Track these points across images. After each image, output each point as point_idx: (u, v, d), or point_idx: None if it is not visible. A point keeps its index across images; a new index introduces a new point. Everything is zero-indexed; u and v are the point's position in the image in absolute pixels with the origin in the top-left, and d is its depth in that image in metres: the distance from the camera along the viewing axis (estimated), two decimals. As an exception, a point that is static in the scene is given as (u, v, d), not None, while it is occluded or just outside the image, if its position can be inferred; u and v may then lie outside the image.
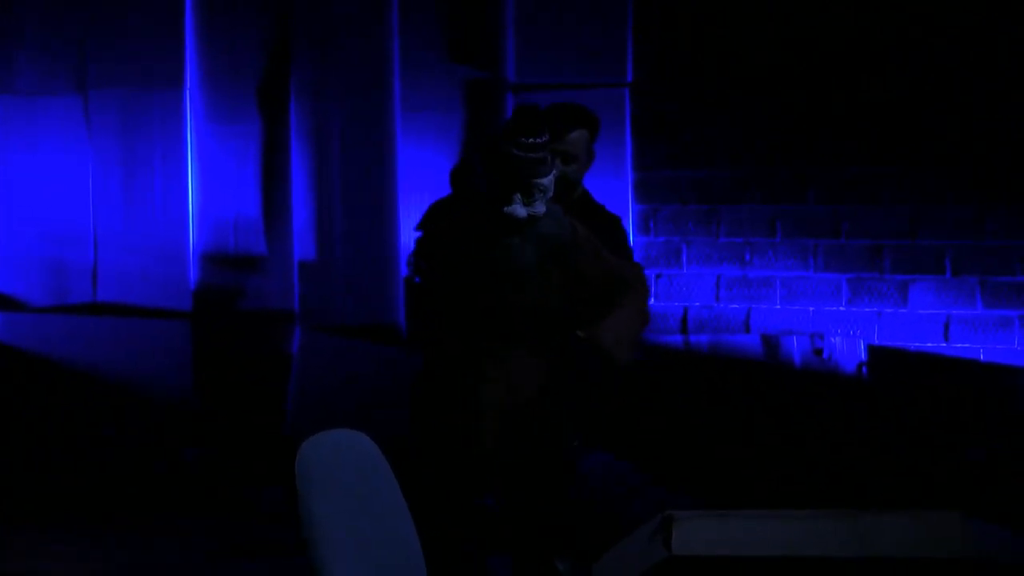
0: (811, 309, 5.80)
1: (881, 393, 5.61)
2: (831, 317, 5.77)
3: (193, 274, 6.13)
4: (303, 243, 6.04)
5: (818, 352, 5.68)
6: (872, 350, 5.68)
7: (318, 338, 6.00)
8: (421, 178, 6.00)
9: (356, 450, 2.95)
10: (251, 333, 6.09)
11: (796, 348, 5.67)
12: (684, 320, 5.96)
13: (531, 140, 3.32)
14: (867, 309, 5.74)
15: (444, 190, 6.02)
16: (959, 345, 5.65)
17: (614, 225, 4.14)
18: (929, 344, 5.67)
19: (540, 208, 3.37)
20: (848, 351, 5.68)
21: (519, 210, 3.35)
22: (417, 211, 6.03)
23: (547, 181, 3.35)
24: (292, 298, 6.06)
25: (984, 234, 5.64)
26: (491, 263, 3.41)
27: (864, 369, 5.66)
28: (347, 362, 5.96)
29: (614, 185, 5.81)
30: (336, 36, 5.98)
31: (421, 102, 5.97)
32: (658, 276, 5.98)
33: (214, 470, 5.99)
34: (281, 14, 6.03)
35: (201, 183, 6.14)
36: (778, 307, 5.82)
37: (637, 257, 4.84)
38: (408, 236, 6.02)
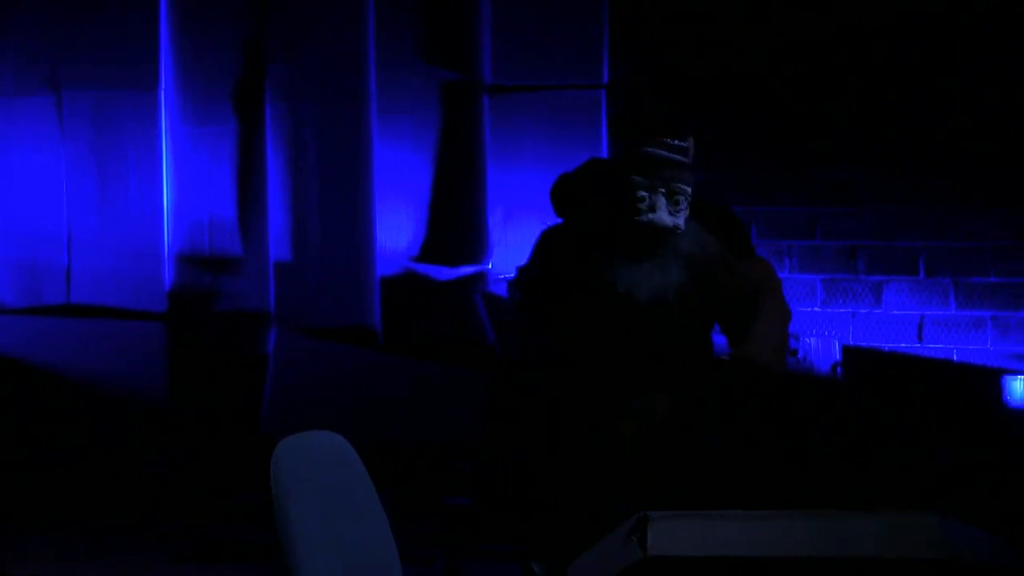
0: (786, 309, 5.83)
1: (856, 393, 5.64)
2: (806, 318, 5.80)
3: (168, 275, 6.11)
4: (279, 244, 6.02)
5: (793, 353, 5.70)
6: (847, 350, 5.71)
7: (294, 339, 5.98)
8: (397, 180, 6.00)
9: (332, 451, 2.94)
10: (226, 334, 6.08)
11: (771, 349, 5.69)
12: (660, 321, 5.97)
13: (677, 141, 2.98)
14: (842, 310, 5.77)
15: (419, 189, 6.03)
16: (932, 345, 5.68)
17: (726, 218, 3.77)
18: (903, 344, 5.70)
19: (683, 221, 3.00)
20: (823, 351, 5.70)
21: (665, 217, 2.98)
22: (393, 212, 6.03)
23: (690, 190, 2.99)
24: (268, 299, 6.04)
25: (957, 236, 5.68)
26: (632, 290, 3.01)
27: (839, 369, 5.69)
28: (323, 363, 5.94)
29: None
30: (311, 37, 5.97)
31: (397, 104, 5.97)
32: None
33: (189, 472, 5.97)
34: (256, 16, 6.02)
35: (176, 184, 6.12)
36: (753, 308, 5.85)
37: None
38: (385, 236, 6.01)
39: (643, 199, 2.97)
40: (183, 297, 6.10)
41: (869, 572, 2.38)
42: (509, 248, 5.97)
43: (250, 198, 6.08)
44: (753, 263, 3.36)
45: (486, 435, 5.76)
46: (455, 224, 5.99)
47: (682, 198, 2.98)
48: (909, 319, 5.72)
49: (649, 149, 2.96)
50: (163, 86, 6.07)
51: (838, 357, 5.70)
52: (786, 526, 2.45)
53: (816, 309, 5.78)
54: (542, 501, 3.11)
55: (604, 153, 5.88)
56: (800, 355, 5.70)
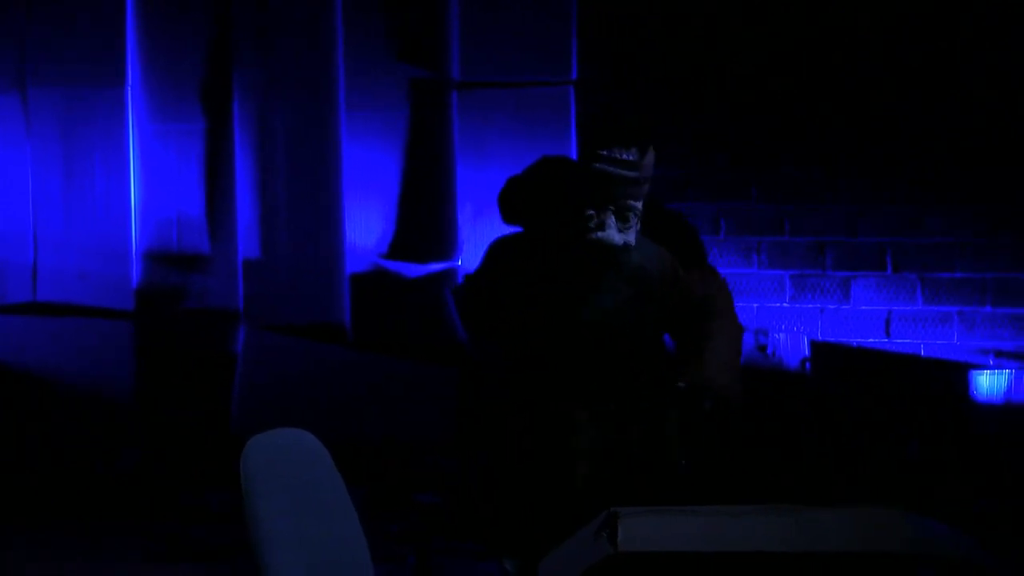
0: (755, 306, 5.85)
1: (824, 388, 5.67)
2: (775, 313, 5.82)
3: (136, 273, 6.07)
4: (247, 242, 6.00)
5: (762, 348, 5.72)
6: (815, 346, 5.74)
7: (263, 337, 5.96)
8: (366, 177, 5.99)
9: (302, 449, 2.94)
10: (195, 332, 6.05)
11: (740, 345, 5.71)
12: (629, 317, 5.98)
13: (626, 156, 2.88)
14: (810, 305, 5.80)
15: (388, 186, 6.02)
16: (900, 340, 5.72)
17: (679, 225, 3.70)
18: (871, 340, 5.74)
19: (633, 237, 2.92)
20: (792, 347, 5.73)
21: (614, 235, 2.90)
22: (362, 209, 6.02)
23: (641, 205, 2.91)
24: (236, 297, 6.02)
25: (924, 231, 5.72)
26: (580, 306, 2.93)
27: (807, 365, 5.72)
28: (293, 361, 5.93)
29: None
30: (280, 34, 5.95)
31: (366, 101, 5.95)
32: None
33: (157, 472, 5.94)
34: (224, 13, 5.99)
35: (144, 182, 6.09)
36: (722, 304, 5.87)
37: None
38: (354, 233, 6.00)
39: (591, 217, 2.91)
40: (151, 295, 6.07)
41: (837, 567, 2.39)
42: (478, 244, 5.96)
43: (218, 196, 6.05)
44: (704, 274, 3.29)
45: (456, 432, 5.75)
46: (424, 221, 5.98)
47: (632, 215, 2.92)
48: (877, 314, 5.75)
49: (598, 166, 2.89)
50: (130, 83, 6.04)
51: (807, 353, 5.73)
52: (755, 522, 2.46)
53: (785, 305, 5.81)
54: (508, 500, 3.10)
55: (572, 151, 5.88)
56: (769, 351, 5.73)
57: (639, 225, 2.94)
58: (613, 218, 2.89)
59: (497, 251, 3.37)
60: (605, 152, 2.87)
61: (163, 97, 6.03)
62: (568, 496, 3.04)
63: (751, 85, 5.77)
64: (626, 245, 2.92)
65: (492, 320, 3.14)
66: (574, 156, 5.87)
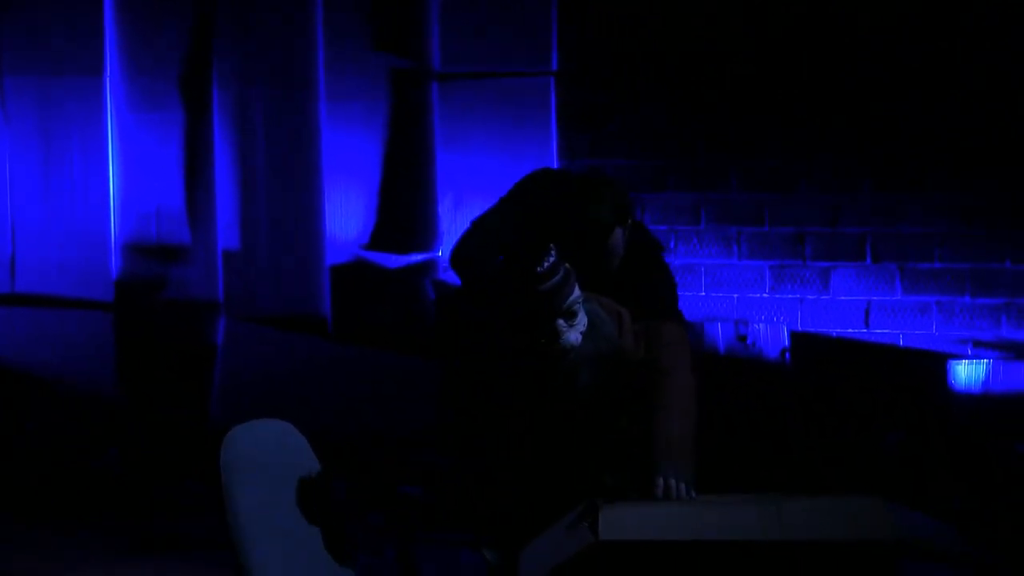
0: (735, 296, 5.87)
1: (803, 378, 5.69)
2: (755, 304, 5.84)
3: (115, 264, 6.05)
4: (227, 232, 5.98)
5: (742, 339, 5.74)
6: (795, 336, 5.76)
7: (243, 328, 5.95)
8: (347, 167, 5.98)
9: (281, 440, 2.94)
10: (175, 323, 6.03)
11: (720, 335, 5.73)
12: (610, 308, 5.99)
13: (545, 266, 2.88)
14: (790, 296, 5.82)
15: (369, 176, 6.00)
16: (879, 331, 5.74)
17: (653, 264, 3.74)
18: (850, 330, 5.76)
19: (584, 323, 2.96)
20: (771, 337, 5.75)
21: (572, 337, 2.93)
22: (343, 200, 6.01)
23: (577, 292, 2.93)
24: (216, 288, 6.00)
25: (903, 221, 5.74)
26: (546, 405, 2.95)
27: (787, 355, 5.73)
28: (273, 352, 5.92)
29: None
30: (259, 24, 5.93)
31: (346, 90, 5.94)
32: (584, 264, 6.00)
33: (137, 463, 5.92)
34: (203, 2, 5.97)
35: (123, 171, 6.06)
36: (703, 294, 5.88)
37: None
38: (334, 224, 5.99)
39: (542, 332, 2.91)
40: (131, 286, 6.04)
41: (816, 554, 2.40)
42: (459, 235, 5.96)
43: (198, 186, 6.03)
44: (658, 330, 3.20)
45: (437, 423, 5.75)
46: (405, 211, 5.97)
47: (577, 307, 2.93)
48: (856, 305, 5.77)
49: (530, 290, 2.87)
50: (108, 72, 6.01)
51: (786, 343, 5.75)
52: (735, 510, 2.47)
53: (764, 295, 5.82)
54: (490, 491, 3.10)
55: (553, 141, 5.88)
56: (749, 341, 5.75)
57: (584, 307, 2.95)
58: (563, 321, 2.91)
59: (449, 320, 3.29)
60: (527, 273, 2.87)
61: (142, 86, 6.00)
62: (551, 486, 3.03)
63: (731, 75, 5.78)
64: (578, 339, 2.95)
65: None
66: (554, 148, 5.88)
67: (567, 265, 2.95)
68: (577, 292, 2.94)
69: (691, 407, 3.02)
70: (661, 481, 2.86)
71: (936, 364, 5.59)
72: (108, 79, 6.01)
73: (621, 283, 3.31)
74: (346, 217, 5.98)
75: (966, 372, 5.57)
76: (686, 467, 2.91)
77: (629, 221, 3.80)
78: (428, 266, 5.97)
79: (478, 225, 3.77)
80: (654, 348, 3.09)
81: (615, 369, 3.00)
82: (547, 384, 2.98)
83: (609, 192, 3.74)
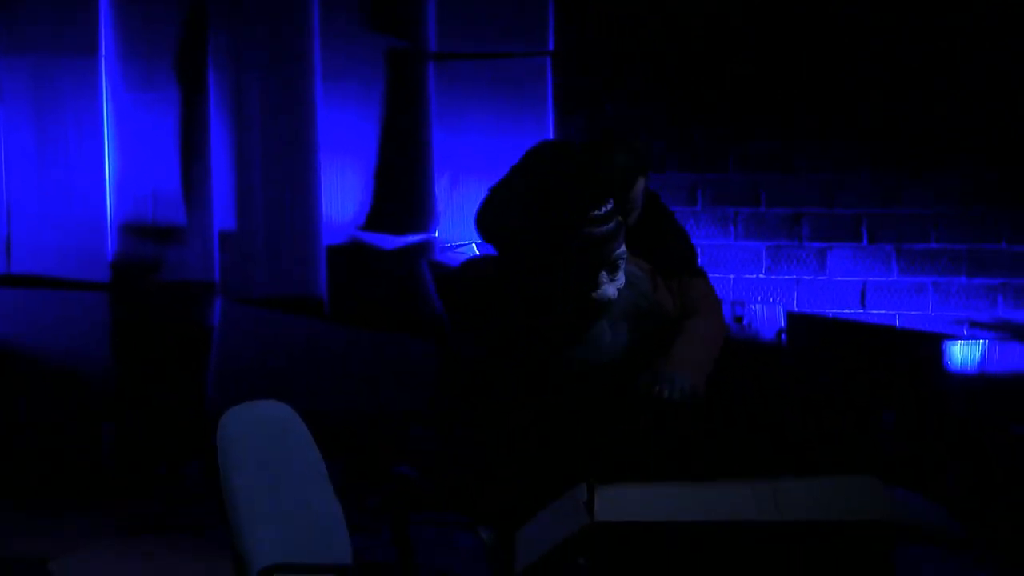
0: (731, 277, 5.87)
1: (799, 359, 5.70)
2: (751, 285, 5.84)
3: (111, 245, 6.04)
4: (223, 213, 5.97)
5: (738, 319, 5.74)
6: (791, 317, 5.76)
7: (239, 310, 5.95)
8: (343, 147, 5.96)
9: (278, 421, 2.94)
10: (171, 305, 6.03)
11: (717, 316, 5.72)
12: (606, 289, 5.99)
13: (603, 211, 2.81)
14: (786, 276, 5.82)
15: (365, 157, 5.99)
16: (875, 311, 5.74)
17: (667, 224, 3.65)
18: (846, 310, 5.76)
19: (623, 279, 2.89)
20: (768, 318, 5.75)
21: (610, 290, 2.86)
22: (339, 181, 6.00)
23: (624, 248, 2.86)
24: (212, 269, 6.00)
25: (900, 202, 5.74)
26: (578, 362, 2.89)
27: (783, 336, 5.74)
28: (269, 333, 5.92)
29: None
30: (255, 3, 5.90)
31: (342, 71, 5.92)
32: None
33: (133, 444, 5.93)
34: (198, -19, 5.94)
35: (118, 152, 6.05)
36: (699, 275, 5.88)
37: None
38: (330, 205, 5.98)
39: (583, 280, 2.85)
40: (126, 267, 6.04)
41: (812, 535, 2.41)
42: (455, 216, 5.96)
43: (194, 167, 6.02)
44: (690, 283, 3.19)
45: (433, 404, 5.75)
46: (401, 192, 5.96)
47: (620, 262, 2.87)
48: (852, 285, 5.78)
49: (583, 231, 2.80)
50: (103, 52, 5.99)
51: (783, 324, 5.75)
52: (731, 491, 2.48)
53: (761, 276, 5.82)
54: (487, 470, 3.09)
55: (549, 122, 5.87)
56: (745, 322, 5.75)
57: (626, 259, 2.90)
58: (605, 273, 2.85)
59: (471, 280, 3.17)
60: (582, 215, 2.80)
61: (137, 66, 5.98)
62: (548, 467, 3.01)
63: (728, 56, 5.76)
64: (618, 292, 2.89)
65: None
66: (551, 128, 5.87)
67: (620, 217, 2.87)
68: (623, 247, 2.87)
69: (712, 343, 2.99)
70: (648, 378, 2.84)
71: (932, 345, 5.60)
72: (103, 59, 5.99)
73: (638, 243, 3.18)
74: (342, 198, 5.97)
75: (962, 353, 5.58)
76: (696, 387, 2.88)
77: (648, 172, 3.73)
78: (424, 247, 5.96)
79: (499, 188, 3.56)
80: (687, 301, 3.06)
81: (650, 326, 2.95)
82: (576, 342, 2.88)
83: (629, 141, 3.65)
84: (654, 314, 2.99)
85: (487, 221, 3.05)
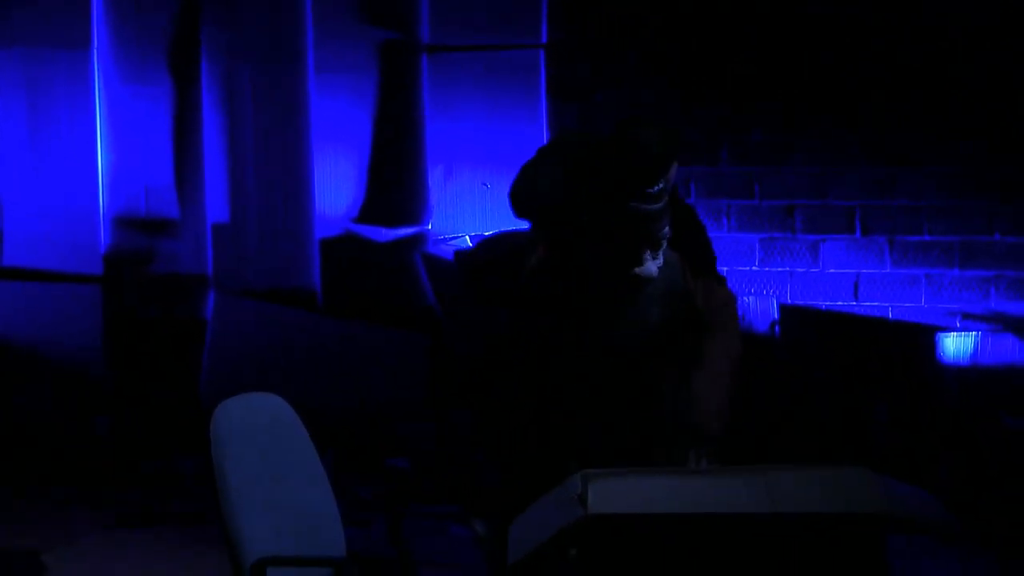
0: (725, 269, 5.83)
1: (793, 351, 5.70)
2: (745, 277, 5.84)
3: (104, 238, 6.03)
4: (216, 206, 5.97)
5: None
6: (784, 309, 5.76)
7: (232, 302, 5.94)
8: (336, 140, 5.96)
9: (271, 413, 2.93)
10: (164, 297, 6.02)
11: (710, 308, 5.72)
12: (600, 281, 5.98)
13: (656, 189, 2.83)
14: (779, 269, 5.82)
15: (358, 150, 5.98)
16: (868, 303, 5.75)
17: (692, 223, 3.53)
18: (839, 302, 5.77)
19: (663, 259, 2.91)
20: (761, 310, 5.75)
21: (652, 268, 2.88)
22: (332, 173, 5.99)
23: (668, 229, 2.89)
24: (205, 262, 5.99)
25: (893, 194, 5.74)
26: (612, 331, 2.89)
27: (776, 328, 5.74)
28: (262, 326, 5.91)
29: (529, 147, 5.81)
30: (247, -4, 5.90)
31: (335, 63, 5.91)
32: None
33: (126, 437, 5.92)
34: (190, -27, 5.93)
35: (111, 145, 6.03)
36: (692, 267, 5.88)
37: None
38: (324, 198, 5.97)
39: (626, 254, 2.87)
40: (119, 260, 6.03)
41: (804, 527, 2.41)
42: (448, 209, 5.95)
43: (186, 159, 6.01)
44: (711, 286, 3.19)
45: (426, 396, 5.75)
46: (394, 185, 5.96)
47: (664, 241, 2.91)
48: (845, 277, 5.78)
49: (632, 204, 2.83)
50: (96, 45, 5.97)
51: (776, 316, 5.76)
52: (724, 483, 2.48)
53: (754, 268, 5.83)
54: (483, 462, 3.09)
55: (543, 114, 5.87)
56: (739, 314, 5.75)
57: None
58: (649, 251, 2.88)
59: (508, 251, 3.19)
60: (639, 192, 2.82)
61: (130, 59, 5.97)
62: (544, 458, 3.02)
63: (720, 48, 5.76)
64: (658, 271, 2.92)
65: (498, 322, 3.11)
66: (544, 120, 5.87)
67: (667, 197, 2.87)
68: (668, 227, 2.89)
69: (731, 371, 2.99)
70: (692, 454, 2.85)
71: (925, 336, 5.61)
72: (96, 52, 5.97)
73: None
74: (336, 191, 5.97)
75: (954, 344, 5.59)
76: (715, 439, 2.90)
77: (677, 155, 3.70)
78: (418, 239, 5.96)
79: (532, 166, 3.43)
80: (709, 304, 3.07)
81: (681, 309, 2.96)
82: (616, 317, 2.88)
83: (658, 123, 3.60)
84: (686, 298, 3.00)
85: (523, 196, 3.03)
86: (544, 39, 5.88)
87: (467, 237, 5.88)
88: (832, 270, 5.78)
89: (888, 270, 5.74)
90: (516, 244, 3.23)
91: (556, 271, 2.96)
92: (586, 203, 2.86)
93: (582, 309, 2.93)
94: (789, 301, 5.79)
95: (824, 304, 5.76)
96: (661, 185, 2.86)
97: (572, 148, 3.06)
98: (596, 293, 2.91)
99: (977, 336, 5.57)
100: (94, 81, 5.99)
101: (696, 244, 3.43)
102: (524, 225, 3.14)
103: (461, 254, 5.29)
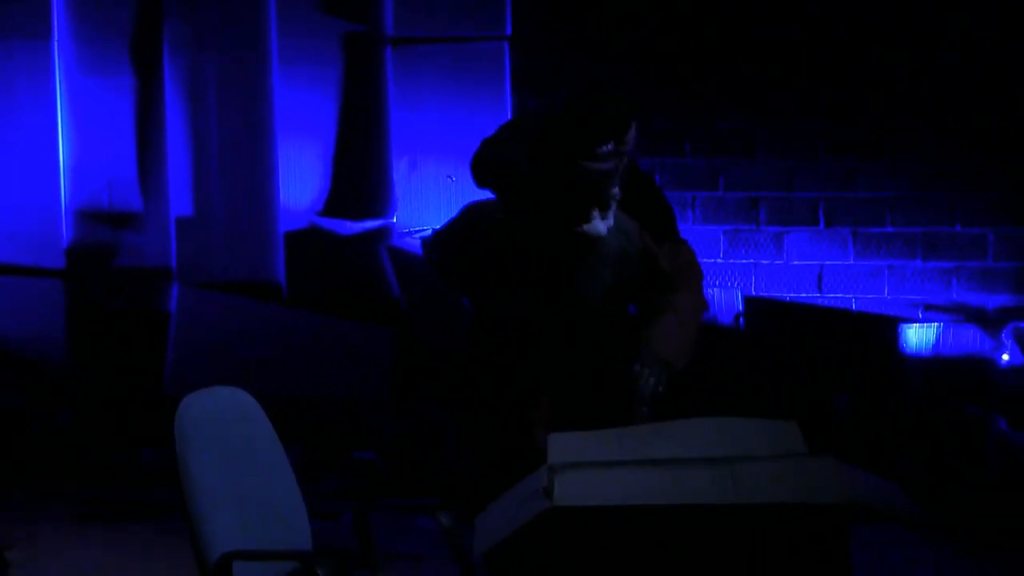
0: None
1: (757, 342, 5.73)
2: (709, 269, 5.84)
3: (66, 231, 5.99)
4: (180, 199, 5.93)
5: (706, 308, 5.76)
6: (749, 300, 5.79)
7: (196, 295, 5.91)
8: (300, 132, 5.93)
9: (236, 406, 2.92)
10: (128, 291, 5.98)
11: (675, 300, 5.74)
12: (565, 273, 5.99)
13: (605, 148, 2.90)
14: (744, 260, 5.84)
15: (323, 142, 5.96)
16: (832, 295, 5.78)
17: (653, 195, 3.58)
18: (803, 294, 5.80)
19: (612, 220, 2.98)
20: (726, 302, 5.78)
21: (600, 226, 2.96)
22: (296, 167, 5.97)
23: (617, 190, 2.95)
24: (169, 255, 5.96)
25: (856, 186, 5.77)
26: (562, 290, 2.98)
27: (741, 319, 5.77)
28: (227, 319, 5.89)
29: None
30: (210, -13, 5.86)
31: (299, 55, 5.89)
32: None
33: (90, 431, 5.88)
34: (153, -36, 5.89)
35: (73, 138, 5.99)
36: (657, 259, 5.89)
37: None
38: (288, 191, 5.95)
39: (574, 210, 2.93)
40: (82, 254, 5.99)
41: (769, 517, 2.42)
42: (413, 202, 5.94)
43: (150, 152, 5.97)
44: (674, 248, 3.25)
45: (392, 389, 5.75)
46: (359, 178, 5.94)
47: (613, 202, 2.97)
48: (809, 269, 5.81)
49: (582, 163, 2.89)
50: (56, 36, 5.92)
51: (740, 308, 5.78)
52: (689, 473, 2.49)
53: (719, 260, 5.85)
54: (452, 454, 3.12)
55: (507, 106, 5.87)
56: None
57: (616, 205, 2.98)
58: (598, 210, 2.93)
59: (474, 217, 3.25)
60: (589, 150, 2.88)
61: (91, 51, 5.92)
62: (522, 453, 3.04)
63: (686, 40, 5.77)
64: (608, 230, 2.98)
65: (465, 281, 3.18)
66: (508, 113, 5.86)
67: (618, 160, 2.94)
68: (617, 189, 2.94)
69: (696, 323, 3.06)
70: (639, 368, 2.90)
71: (888, 327, 5.65)
72: (56, 44, 5.92)
73: (625, 205, 3.20)
74: (300, 184, 5.95)
75: (917, 335, 5.63)
76: (670, 366, 2.96)
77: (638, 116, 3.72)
78: (383, 232, 5.95)
79: (492, 139, 3.46)
80: (674, 266, 3.13)
81: (633, 275, 3.02)
82: (566, 281, 2.94)
83: (613, 91, 3.62)
84: (640, 263, 3.05)
85: (484, 163, 3.11)
86: (509, 31, 5.88)
87: (432, 230, 5.87)
88: (796, 262, 5.81)
89: (851, 262, 5.78)
90: (479, 209, 3.32)
91: (514, 230, 3.03)
92: (539, 161, 2.92)
93: (538, 265, 2.99)
94: (753, 293, 5.82)
95: (788, 296, 5.79)
96: (611, 146, 2.91)
97: (531, 119, 3.14)
98: (549, 249, 2.97)
99: (939, 327, 5.62)
100: (55, 73, 5.94)
101: (657, 208, 3.47)
102: (486, 196, 3.21)
103: (428, 237, 5.31)
